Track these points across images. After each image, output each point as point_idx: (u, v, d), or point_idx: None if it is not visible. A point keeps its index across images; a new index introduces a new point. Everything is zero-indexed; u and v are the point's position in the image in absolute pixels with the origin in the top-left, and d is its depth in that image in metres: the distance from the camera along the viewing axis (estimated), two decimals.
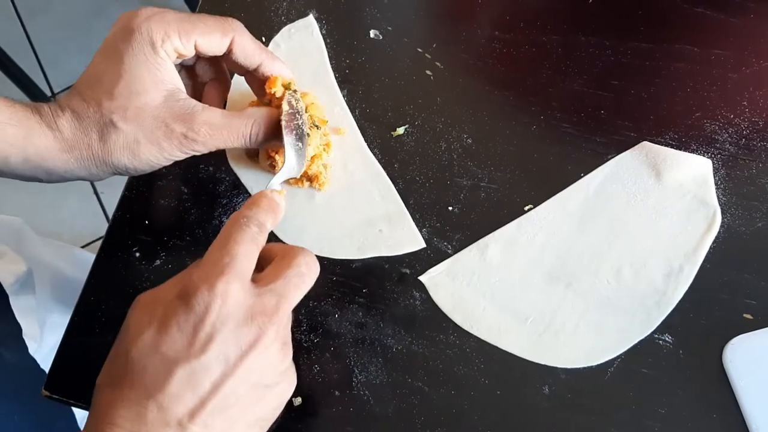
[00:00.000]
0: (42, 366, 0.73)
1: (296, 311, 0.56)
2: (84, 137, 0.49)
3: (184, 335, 0.39)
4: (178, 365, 0.39)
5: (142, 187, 0.61)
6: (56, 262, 0.89)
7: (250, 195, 0.59)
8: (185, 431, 0.39)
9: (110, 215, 1.69)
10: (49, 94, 1.79)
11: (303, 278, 0.44)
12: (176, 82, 0.51)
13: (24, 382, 0.69)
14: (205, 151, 0.51)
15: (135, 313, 0.42)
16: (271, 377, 0.43)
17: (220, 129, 0.50)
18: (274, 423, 0.45)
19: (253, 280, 0.43)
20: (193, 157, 0.52)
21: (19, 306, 0.74)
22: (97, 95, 0.49)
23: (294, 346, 0.54)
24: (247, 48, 0.52)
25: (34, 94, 1.59)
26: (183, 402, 0.39)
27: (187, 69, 0.57)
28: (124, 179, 0.62)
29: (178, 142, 0.50)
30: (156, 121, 0.49)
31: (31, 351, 0.73)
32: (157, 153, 0.50)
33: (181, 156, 0.51)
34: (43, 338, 0.77)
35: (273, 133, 0.52)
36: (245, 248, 0.42)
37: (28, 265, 0.79)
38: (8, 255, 0.78)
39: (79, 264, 0.95)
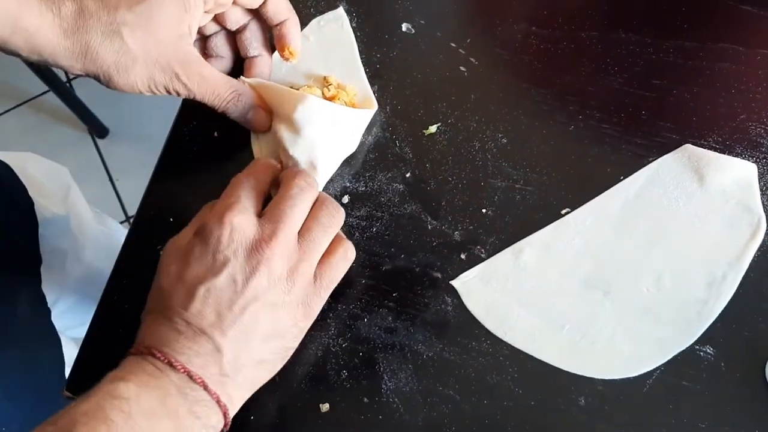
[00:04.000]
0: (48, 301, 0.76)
1: (324, 314, 0.54)
2: (84, 34, 0.49)
3: (201, 264, 0.46)
4: (197, 288, 0.46)
5: (167, 183, 0.60)
6: (93, 222, 0.89)
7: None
8: (212, 339, 0.45)
9: (125, 202, 1.69)
10: (64, 79, 1.78)
11: (296, 199, 0.49)
12: (192, 29, 0.53)
13: (33, 322, 0.73)
14: (187, 96, 0.54)
15: (163, 257, 0.49)
16: (277, 296, 0.47)
17: (208, 83, 0.54)
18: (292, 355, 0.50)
19: (260, 214, 0.49)
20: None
21: (46, 243, 0.76)
22: (117, 1, 0.50)
23: (322, 351, 0.54)
24: (280, 3, 0.56)
25: (50, 79, 1.58)
26: (205, 317, 0.45)
27: (230, 40, 0.59)
28: (141, 169, 0.61)
29: (169, 78, 0.52)
30: (159, 54, 0.51)
31: (44, 287, 0.76)
32: (146, 80, 0.52)
33: (160, 92, 0.53)
34: (66, 271, 0.80)
35: (247, 112, 0.56)
36: (247, 191, 0.49)
37: (67, 211, 0.80)
38: (50, 196, 0.79)
39: (112, 236, 0.95)
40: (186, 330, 0.45)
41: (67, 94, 1.65)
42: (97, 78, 0.52)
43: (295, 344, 0.50)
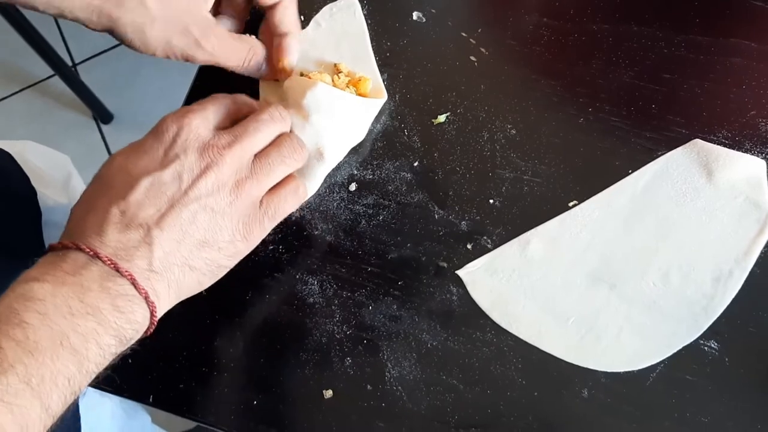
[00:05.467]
0: None
1: (329, 301, 0.54)
2: None
3: (150, 157, 0.46)
4: (142, 179, 0.44)
5: None
6: None
7: None
8: (147, 232, 0.43)
9: None
10: (70, 64, 1.77)
11: (262, 123, 0.49)
12: None
13: None
14: (202, 62, 0.54)
15: (110, 157, 0.48)
16: (218, 204, 0.46)
17: (225, 46, 0.54)
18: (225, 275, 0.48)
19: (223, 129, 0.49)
20: None
21: (49, 232, 0.75)
22: None
23: (326, 338, 0.53)
24: (287, 14, 0.55)
25: (56, 64, 1.57)
26: (143, 209, 0.44)
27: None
28: None
29: (186, 44, 0.52)
30: (178, 18, 0.51)
31: None
32: (162, 43, 0.52)
33: (177, 57, 0.53)
34: None
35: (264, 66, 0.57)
36: (216, 105, 0.49)
37: (69, 199, 0.80)
38: (51, 185, 0.79)
39: None
40: (119, 220, 0.43)
41: (72, 79, 1.64)
42: (112, 34, 0.51)
43: (229, 264, 0.48)
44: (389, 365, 0.52)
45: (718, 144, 0.56)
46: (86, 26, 0.51)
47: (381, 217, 0.57)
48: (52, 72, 1.65)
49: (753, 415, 0.49)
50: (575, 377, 0.51)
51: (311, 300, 0.55)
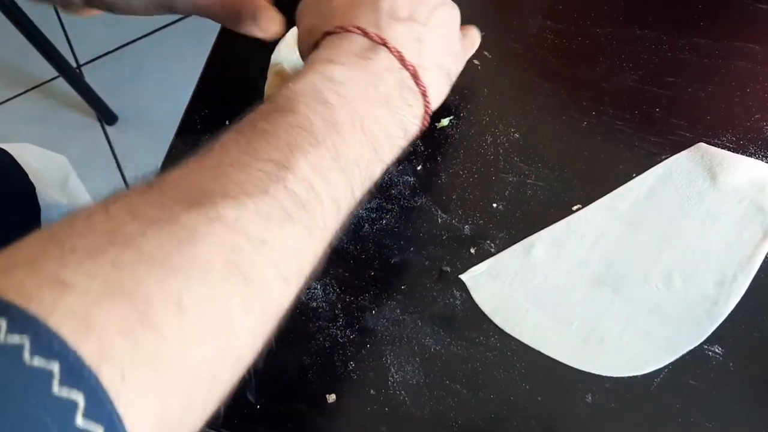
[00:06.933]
0: None
1: (332, 305, 0.54)
2: None
3: None
4: None
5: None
6: None
7: None
8: (419, 31, 0.43)
9: None
10: (74, 65, 1.78)
11: None
12: None
13: None
14: (182, 11, 0.51)
15: None
16: (455, 19, 0.47)
17: None
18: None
19: None
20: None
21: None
22: None
23: (329, 342, 0.54)
24: None
25: (60, 65, 1.58)
26: (410, 7, 0.43)
27: None
28: (150, 156, 0.60)
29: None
30: None
31: None
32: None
33: (155, 10, 0.50)
34: None
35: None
36: None
37: (67, 200, 0.80)
38: (50, 186, 0.79)
39: None
40: (390, 15, 0.42)
41: (76, 80, 1.65)
42: (93, 4, 0.51)
43: (456, 74, 0.49)
44: (392, 369, 0.52)
45: (722, 148, 0.56)
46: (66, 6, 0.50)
47: (384, 221, 0.57)
48: (56, 73, 1.65)
49: (758, 420, 0.49)
50: (579, 382, 0.51)
51: (314, 304, 0.55)
